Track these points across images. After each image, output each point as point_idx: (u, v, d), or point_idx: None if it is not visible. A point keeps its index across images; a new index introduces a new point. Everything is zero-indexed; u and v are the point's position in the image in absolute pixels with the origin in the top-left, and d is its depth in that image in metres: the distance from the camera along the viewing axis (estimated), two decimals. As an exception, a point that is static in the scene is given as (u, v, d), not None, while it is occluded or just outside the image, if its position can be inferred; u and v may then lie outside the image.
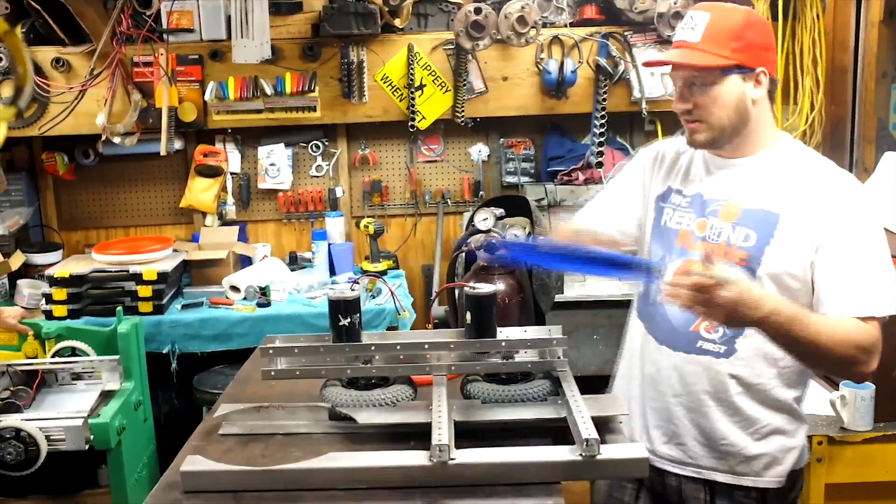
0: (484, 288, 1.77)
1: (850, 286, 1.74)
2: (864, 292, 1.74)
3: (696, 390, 1.89)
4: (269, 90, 3.84)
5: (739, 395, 1.88)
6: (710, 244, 1.87)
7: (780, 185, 1.84)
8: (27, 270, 3.86)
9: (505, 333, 1.81)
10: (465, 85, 3.92)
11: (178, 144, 3.96)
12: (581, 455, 1.50)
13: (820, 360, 1.77)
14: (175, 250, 3.81)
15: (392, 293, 2.62)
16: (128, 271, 3.54)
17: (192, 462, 1.53)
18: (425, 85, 3.94)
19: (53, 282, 3.49)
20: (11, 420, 2.73)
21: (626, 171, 2.16)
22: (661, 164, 2.05)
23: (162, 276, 3.52)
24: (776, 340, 1.72)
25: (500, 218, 3.63)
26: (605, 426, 1.65)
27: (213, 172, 4.04)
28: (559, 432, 1.62)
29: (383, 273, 3.88)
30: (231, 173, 4.12)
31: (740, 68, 1.79)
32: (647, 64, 2.02)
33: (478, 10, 3.71)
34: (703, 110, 1.82)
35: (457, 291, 2.55)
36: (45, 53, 3.75)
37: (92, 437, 2.80)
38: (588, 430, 1.52)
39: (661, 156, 2.07)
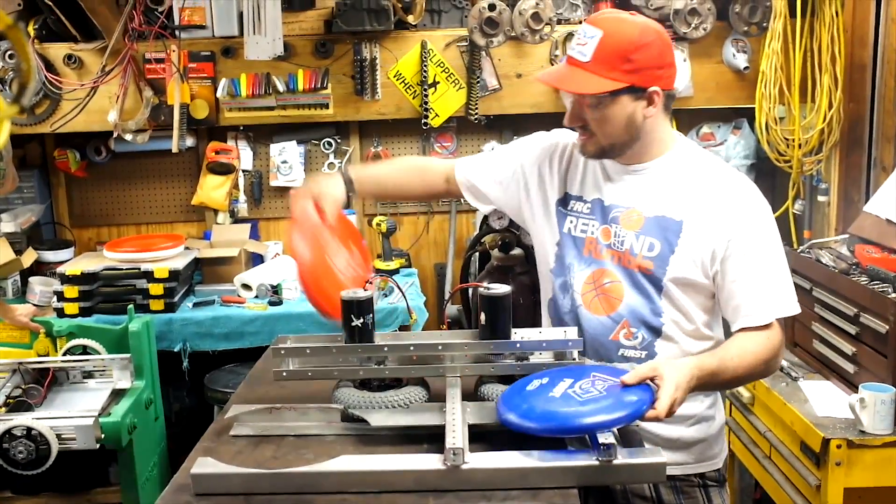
0: (498, 288, 1.75)
1: (759, 294, 1.81)
2: (772, 298, 1.82)
3: None
4: (281, 87, 3.82)
5: None
6: (615, 251, 1.89)
7: (680, 191, 1.86)
8: (39, 268, 3.86)
9: (520, 334, 1.79)
10: (478, 82, 3.89)
11: (189, 142, 3.95)
12: (598, 460, 1.47)
13: (741, 384, 2.04)
14: (187, 248, 3.80)
15: (403, 295, 2.59)
16: (139, 269, 3.53)
17: (202, 464, 1.51)
18: (438, 82, 3.91)
19: (65, 279, 3.48)
20: (23, 419, 2.72)
21: (518, 150, 2.10)
22: (560, 163, 2.01)
23: (173, 274, 3.52)
24: (707, 389, 1.82)
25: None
26: (621, 430, 1.62)
27: (224, 170, 4.03)
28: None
29: (395, 272, 3.86)
30: (243, 171, 4.11)
31: (631, 89, 1.77)
32: (539, 80, 1.96)
33: (492, 7, 3.68)
34: (593, 126, 1.82)
35: (471, 291, 2.54)
36: (58, 50, 3.75)
37: (103, 435, 2.79)
38: (604, 435, 1.49)
39: (558, 153, 2.02)
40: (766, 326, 1.81)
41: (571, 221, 1.95)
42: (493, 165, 2.11)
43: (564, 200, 1.98)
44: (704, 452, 1.97)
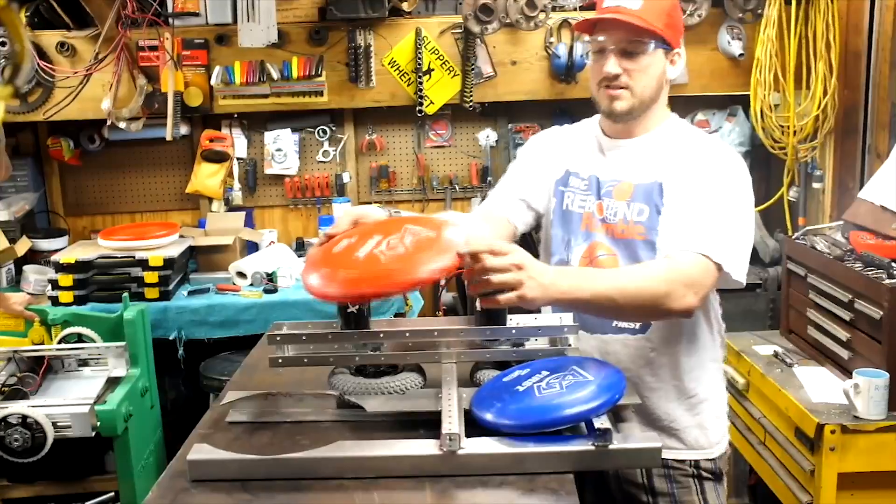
0: (494, 275, 1.74)
1: (687, 228, 1.79)
2: (703, 233, 1.76)
3: (621, 368, 1.83)
4: (275, 75, 3.81)
5: (663, 368, 1.92)
6: (608, 224, 1.93)
7: (664, 157, 1.91)
8: (33, 256, 3.85)
9: (515, 321, 1.79)
10: (473, 69, 3.88)
11: (183, 129, 3.93)
12: (594, 445, 1.47)
13: (633, 305, 1.70)
14: (181, 236, 3.79)
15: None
16: (134, 257, 3.52)
17: (199, 451, 1.51)
18: (433, 69, 3.90)
19: (59, 268, 3.47)
20: (18, 407, 2.72)
21: (525, 158, 2.15)
22: (558, 148, 2.07)
23: (168, 262, 3.51)
24: (580, 305, 1.70)
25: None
26: (616, 415, 1.62)
27: (219, 158, 4.02)
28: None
29: (390, 259, 3.85)
30: (237, 159, 4.10)
31: (666, 44, 1.87)
32: (580, 26, 1.93)
33: (486, -6, 3.67)
34: (631, 77, 1.85)
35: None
36: (50, 38, 3.73)
37: (98, 423, 2.79)
38: (600, 420, 1.50)
39: (556, 140, 2.10)
40: (683, 257, 1.75)
41: (569, 197, 2.00)
42: (523, 176, 2.10)
43: (564, 178, 2.03)
44: (698, 439, 1.96)
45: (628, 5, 1.83)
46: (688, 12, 3.71)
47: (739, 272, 1.78)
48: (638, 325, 1.90)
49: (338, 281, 1.61)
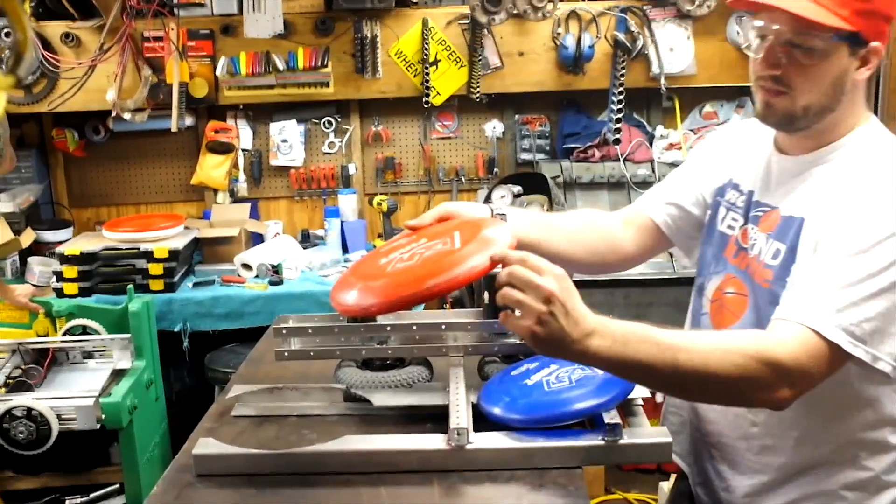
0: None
1: (805, 285, 1.35)
2: (819, 297, 1.30)
3: (721, 441, 1.63)
4: (281, 65, 3.79)
5: (768, 451, 1.54)
6: (747, 257, 1.55)
7: (820, 185, 1.44)
8: (38, 248, 3.84)
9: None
10: (480, 60, 3.86)
11: (189, 121, 3.92)
12: (603, 440, 1.46)
13: (699, 393, 1.37)
14: (186, 228, 3.78)
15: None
16: (139, 249, 3.51)
17: (204, 445, 1.50)
18: (440, 60, 3.88)
19: (64, 259, 3.46)
20: (23, 399, 2.71)
21: (692, 157, 1.84)
22: (730, 149, 1.71)
23: (173, 254, 3.49)
24: (621, 372, 1.32)
25: (517, 195, 3.59)
26: (626, 409, 1.60)
27: (224, 149, 4.00)
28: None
29: (396, 251, 3.83)
30: (242, 150, 4.08)
31: (854, 39, 1.37)
32: (737, 2, 1.46)
33: (493, -16, 3.64)
34: (792, 80, 1.41)
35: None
36: (55, 28, 3.71)
37: (103, 416, 2.78)
38: (610, 414, 1.48)
39: (731, 139, 1.73)
40: (781, 331, 1.31)
41: (722, 213, 1.65)
42: (681, 177, 1.80)
43: (723, 188, 1.67)
44: None
45: None
46: (697, 3, 3.69)
47: (878, 357, 1.29)
48: None
49: (348, 292, 1.58)
